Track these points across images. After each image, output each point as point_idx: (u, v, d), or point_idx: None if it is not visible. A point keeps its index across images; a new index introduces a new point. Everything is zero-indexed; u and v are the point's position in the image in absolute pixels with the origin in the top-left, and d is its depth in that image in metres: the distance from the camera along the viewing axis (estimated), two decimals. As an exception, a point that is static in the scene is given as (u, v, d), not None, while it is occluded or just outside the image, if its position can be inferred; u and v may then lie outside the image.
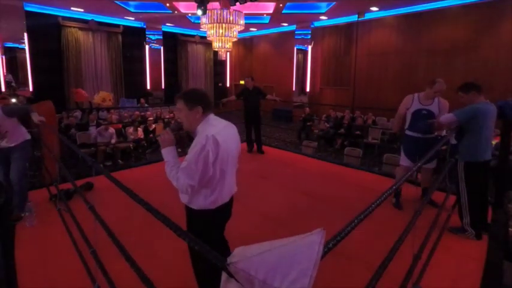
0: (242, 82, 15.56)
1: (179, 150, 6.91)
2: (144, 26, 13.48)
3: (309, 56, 13.23)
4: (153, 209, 1.18)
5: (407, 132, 3.52)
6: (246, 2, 7.36)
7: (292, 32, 13.50)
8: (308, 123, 10.41)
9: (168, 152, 1.71)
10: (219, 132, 1.70)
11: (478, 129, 2.78)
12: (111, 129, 7.55)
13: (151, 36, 13.80)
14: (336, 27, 12.39)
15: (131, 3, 10.51)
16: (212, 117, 1.79)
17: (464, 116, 2.79)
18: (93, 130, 7.71)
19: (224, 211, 1.88)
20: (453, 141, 2.96)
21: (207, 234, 1.84)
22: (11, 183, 3.18)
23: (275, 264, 0.70)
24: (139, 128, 8.33)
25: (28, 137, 3.30)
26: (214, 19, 8.20)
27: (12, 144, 3.16)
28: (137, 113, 10.14)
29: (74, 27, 11.69)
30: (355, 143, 8.53)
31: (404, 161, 3.56)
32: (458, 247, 2.76)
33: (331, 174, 4.88)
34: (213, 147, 1.63)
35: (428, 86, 3.39)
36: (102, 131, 7.40)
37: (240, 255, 0.75)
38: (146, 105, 12.16)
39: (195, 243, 0.93)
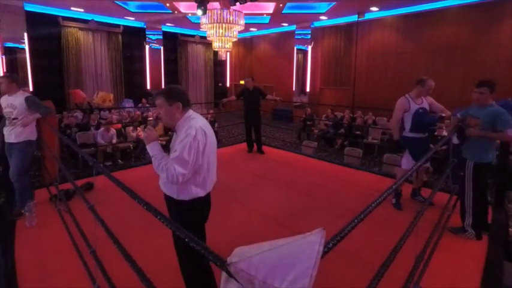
0: (242, 82, 15.57)
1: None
2: (144, 26, 13.48)
3: (309, 56, 13.23)
4: (153, 208, 1.19)
5: (410, 135, 3.44)
6: (246, 2, 7.35)
7: (292, 32, 13.50)
8: (308, 123, 10.41)
9: (153, 147, 1.77)
10: (203, 124, 1.82)
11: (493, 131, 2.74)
12: (112, 130, 7.56)
13: (151, 36, 13.79)
14: (336, 27, 12.39)
15: (131, 3, 10.51)
16: (192, 112, 1.86)
17: None
18: (94, 131, 7.71)
19: (209, 199, 1.98)
20: (455, 141, 2.93)
21: (198, 225, 1.93)
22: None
23: (275, 264, 0.70)
24: (139, 128, 8.32)
25: (32, 137, 3.27)
26: (214, 19, 8.19)
27: (14, 141, 3.16)
28: (138, 113, 10.12)
29: (74, 27, 11.69)
30: (355, 143, 8.53)
31: (411, 164, 3.38)
32: (458, 247, 2.75)
33: (331, 174, 4.88)
34: (202, 137, 1.75)
35: (420, 85, 3.41)
36: (103, 132, 7.40)
37: (240, 255, 0.75)
38: (147, 105, 12.16)
39: (195, 243, 0.93)
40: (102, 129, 7.48)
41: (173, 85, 1.93)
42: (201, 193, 1.84)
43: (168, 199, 1.88)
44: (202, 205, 1.90)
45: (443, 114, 3.41)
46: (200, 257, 1.80)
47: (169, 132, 7.14)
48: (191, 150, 1.68)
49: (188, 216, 1.85)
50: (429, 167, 3.63)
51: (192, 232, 1.90)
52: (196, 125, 1.76)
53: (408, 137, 3.47)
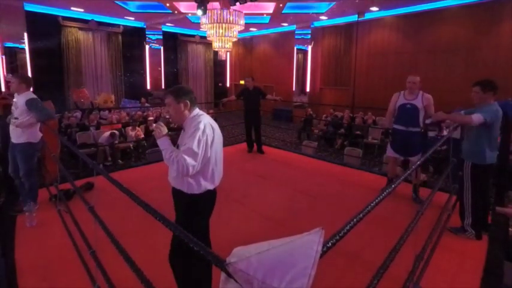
0: (242, 82, 15.55)
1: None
2: (144, 26, 13.49)
3: (309, 56, 13.22)
4: (152, 209, 1.18)
5: (394, 126, 3.80)
6: (246, 2, 7.35)
7: (292, 32, 13.50)
8: (308, 125, 10.38)
9: (164, 141, 1.86)
10: (210, 120, 1.92)
11: (491, 132, 2.74)
12: (116, 134, 7.57)
13: (151, 36, 13.80)
14: (336, 27, 12.39)
15: (131, 3, 10.51)
16: (198, 110, 1.96)
17: (491, 118, 2.70)
18: (94, 131, 7.70)
19: (216, 193, 2.04)
20: (428, 121, 3.00)
21: (205, 218, 2.00)
22: (13, 176, 3.31)
23: (274, 264, 0.70)
24: (138, 128, 8.30)
25: (33, 139, 3.25)
26: (214, 19, 8.20)
27: (15, 141, 3.18)
28: (139, 113, 10.10)
29: (74, 27, 11.70)
30: (355, 143, 8.53)
31: (389, 151, 3.87)
32: (458, 247, 2.75)
33: (331, 174, 4.88)
34: (210, 132, 1.85)
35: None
36: (108, 138, 7.37)
37: (239, 255, 0.75)
38: (147, 104, 12.15)
39: (195, 243, 0.93)
40: (107, 134, 7.43)
41: (181, 85, 2.05)
42: (210, 186, 1.92)
43: (178, 193, 1.92)
44: (210, 198, 1.98)
45: (427, 121, 3.62)
46: (199, 258, 1.81)
47: (169, 132, 7.15)
48: (200, 143, 1.77)
49: (197, 210, 1.92)
50: (426, 163, 3.73)
51: (200, 225, 1.93)
52: (204, 120, 1.85)
53: (393, 127, 3.82)
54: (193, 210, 1.91)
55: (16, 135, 3.16)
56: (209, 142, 1.83)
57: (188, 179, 1.85)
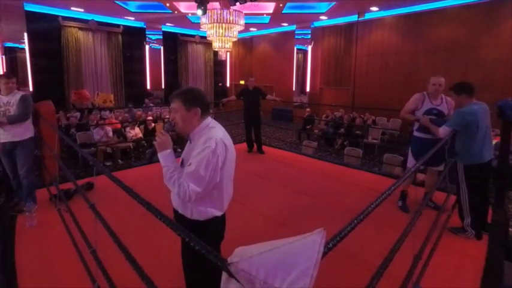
0: (242, 82, 15.56)
1: (179, 150, 6.94)
2: (144, 26, 13.48)
3: (309, 56, 13.22)
4: (154, 208, 1.18)
5: (417, 134, 3.35)
6: (246, 2, 7.36)
7: (292, 32, 13.50)
8: (308, 127, 10.39)
9: (166, 156, 1.58)
10: (224, 135, 1.63)
11: (472, 132, 2.77)
12: (108, 127, 7.60)
13: (151, 36, 13.79)
14: (336, 27, 12.39)
15: (131, 3, 10.51)
16: (211, 120, 1.69)
17: (457, 125, 2.79)
18: (96, 131, 7.76)
19: (225, 218, 1.81)
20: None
21: (212, 243, 1.73)
22: (12, 176, 3.30)
23: (276, 264, 0.70)
24: (136, 127, 8.31)
25: (33, 134, 3.31)
26: (214, 19, 8.20)
27: (16, 139, 3.16)
28: (139, 113, 10.12)
29: (74, 27, 11.69)
30: (355, 143, 8.54)
31: (412, 164, 3.28)
32: (458, 247, 2.75)
33: (331, 174, 4.88)
34: (222, 151, 1.56)
35: (428, 82, 3.34)
36: (99, 130, 7.43)
37: (241, 255, 0.76)
38: (151, 104, 12.19)
39: (196, 242, 0.93)
40: (97, 128, 7.51)
41: (192, 87, 1.77)
42: (217, 213, 1.66)
43: (180, 217, 1.69)
44: (218, 226, 1.72)
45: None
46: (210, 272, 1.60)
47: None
48: (209, 166, 1.50)
49: (202, 238, 1.68)
50: (441, 170, 3.54)
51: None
52: (216, 136, 1.55)
53: (415, 136, 3.38)
54: (198, 236, 1.68)
55: (19, 132, 3.15)
56: (220, 164, 1.54)
57: (192, 203, 1.60)
